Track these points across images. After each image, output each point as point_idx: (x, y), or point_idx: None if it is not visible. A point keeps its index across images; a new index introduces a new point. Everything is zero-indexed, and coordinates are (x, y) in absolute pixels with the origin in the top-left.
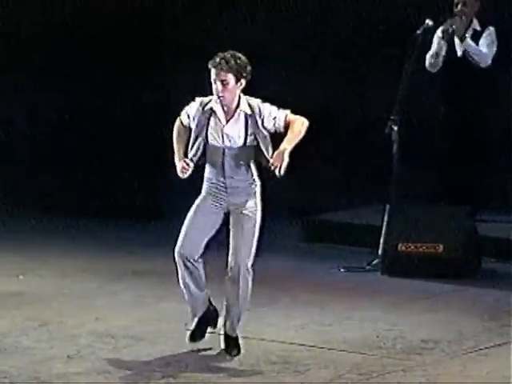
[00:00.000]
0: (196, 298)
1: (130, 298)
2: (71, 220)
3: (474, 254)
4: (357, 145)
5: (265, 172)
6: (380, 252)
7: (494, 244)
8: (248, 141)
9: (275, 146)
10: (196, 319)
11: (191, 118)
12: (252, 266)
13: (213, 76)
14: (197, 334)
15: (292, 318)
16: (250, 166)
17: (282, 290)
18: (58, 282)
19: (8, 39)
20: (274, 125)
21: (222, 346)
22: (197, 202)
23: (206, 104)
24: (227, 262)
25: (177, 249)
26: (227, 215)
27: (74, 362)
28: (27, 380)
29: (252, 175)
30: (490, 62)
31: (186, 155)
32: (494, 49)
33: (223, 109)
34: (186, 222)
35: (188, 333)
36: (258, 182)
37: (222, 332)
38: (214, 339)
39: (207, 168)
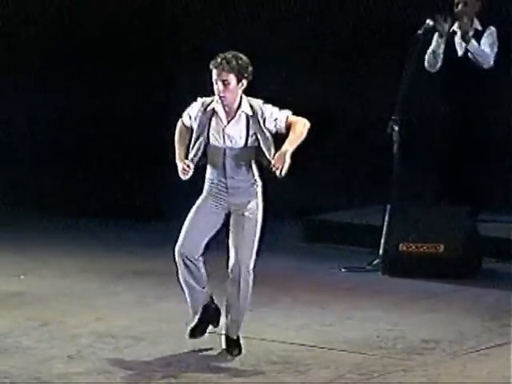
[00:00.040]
0: (196, 296)
1: (130, 297)
2: (71, 220)
3: (474, 254)
4: (357, 145)
5: (266, 172)
6: (381, 252)
7: (494, 244)
8: (249, 141)
9: (277, 147)
10: (197, 317)
11: (193, 119)
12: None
13: (214, 76)
14: (197, 331)
15: (293, 318)
16: (251, 167)
17: (282, 289)
18: (58, 282)
19: (8, 39)
20: (276, 126)
21: (223, 346)
22: (198, 202)
23: (208, 104)
24: (228, 262)
25: (177, 248)
26: (228, 215)
27: (75, 362)
28: (28, 380)
29: (253, 175)
30: (492, 62)
31: (187, 156)
32: (495, 49)
33: (225, 109)
34: (187, 221)
35: (188, 329)
36: (259, 183)
37: (223, 332)
38: (215, 339)
39: (208, 168)
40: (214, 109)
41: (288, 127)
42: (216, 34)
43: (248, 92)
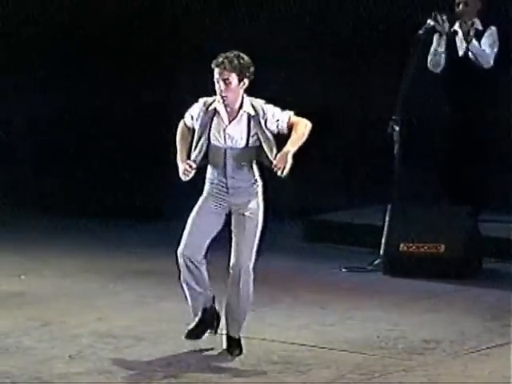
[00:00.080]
0: (196, 298)
1: (131, 297)
2: (71, 220)
3: (475, 254)
4: (357, 145)
5: (266, 172)
6: (381, 252)
7: (495, 244)
8: (250, 142)
9: (278, 148)
10: (196, 319)
11: (194, 119)
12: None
13: (216, 75)
14: (194, 333)
15: (293, 317)
16: (251, 167)
17: (283, 289)
18: (58, 282)
19: (8, 39)
20: (278, 126)
21: (224, 345)
22: (198, 203)
23: (210, 104)
24: (229, 262)
25: (180, 250)
26: (229, 216)
27: (76, 362)
28: (28, 380)
29: (254, 175)
30: (492, 62)
31: (188, 157)
32: (496, 49)
33: (226, 109)
34: (189, 223)
35: (187, 329)
36: (260, 183)
37: (223, 332)
38: (216, 339)
39: (209, 169)
40: (215, 108)
41: (290, 128)
42: (216, 34)
43: (248, 92)
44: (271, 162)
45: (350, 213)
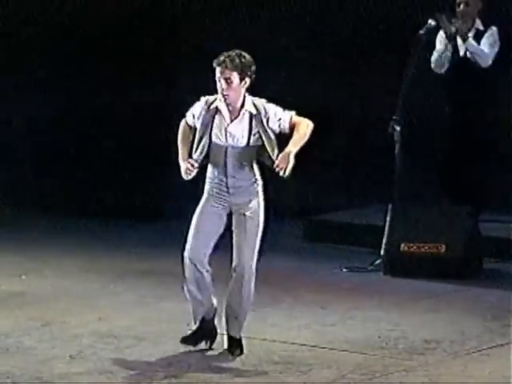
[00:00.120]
0: (198, 303)
1: (131, 297)
2: (71, 220)
3: (476, 254)
4: (357, 145)
5: (267, 172)
6: (382, 252)
7: (495, 244)
8: (251, 141)
9: (280, 148)
10: (194, 326)
11: (196, 117)
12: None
13: (217, 74)
14: (189, 340)
15: (294, 318)
16: (252, 166)
17: (284, 289)
18: (59, 282)
19: (8, 39)
20: (279, 126)
21: (225, 345)
22: (200, 204)
23: (212, 103)
24: (231, 263)
25: (186, 254)
26: (230, 217)
27: (76, 362)
28: (29, 380)
29: (254, 175)
30: (490, 62)
31: (190, 157)
32: (496, 49)
33: (228, 108)
34: (192, 226)
35: (185, 334)
36: (260, 182)
37: (224, 332)
38: (217, 339)
39: (209, 168)
40: (217, 107)
41: (292, 128)
42: (216, 33)
43: (248, 92)
44: (273, 162)
45: (350, 213)
